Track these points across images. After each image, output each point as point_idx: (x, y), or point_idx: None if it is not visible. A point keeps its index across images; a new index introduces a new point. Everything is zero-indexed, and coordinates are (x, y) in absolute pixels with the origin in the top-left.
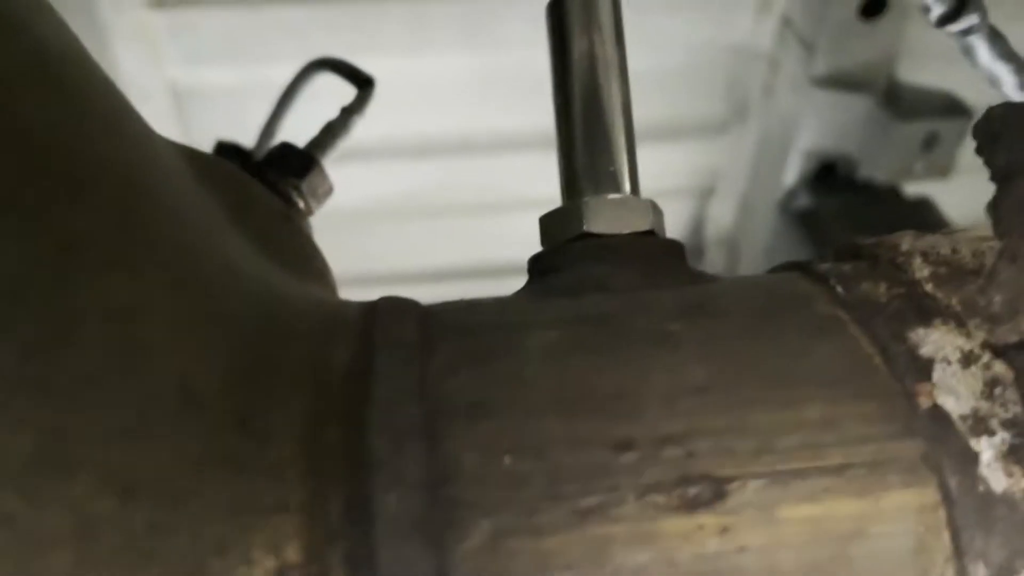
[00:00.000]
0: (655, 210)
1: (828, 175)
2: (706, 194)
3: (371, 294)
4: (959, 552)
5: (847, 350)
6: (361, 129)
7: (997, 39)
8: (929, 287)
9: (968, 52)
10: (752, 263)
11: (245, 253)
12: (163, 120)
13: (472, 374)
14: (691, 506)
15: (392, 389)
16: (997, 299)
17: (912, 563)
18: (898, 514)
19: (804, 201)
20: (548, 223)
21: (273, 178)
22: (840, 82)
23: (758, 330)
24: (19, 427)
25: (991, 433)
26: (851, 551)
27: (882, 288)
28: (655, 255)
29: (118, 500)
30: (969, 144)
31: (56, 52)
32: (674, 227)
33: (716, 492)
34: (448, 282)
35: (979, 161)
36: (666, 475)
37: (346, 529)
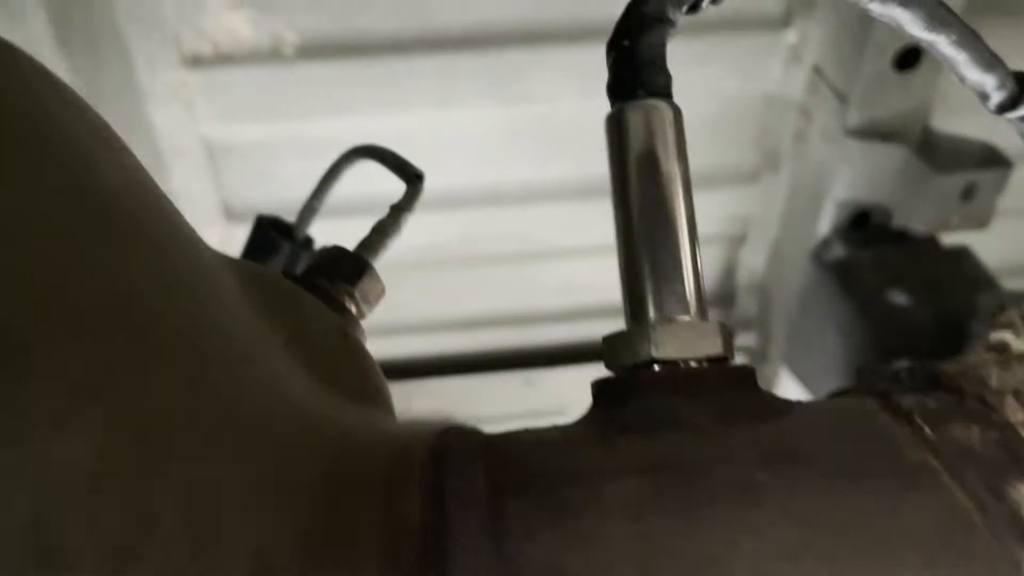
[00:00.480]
0: (725, 333)
1: (862, 224)
2: (738, 241)
3: (402, 342)
4: None
5: (943, 507)
6: (392, 181)
7: None
8: None
9: None
10: (783, 310)
11: (307, 387)
12: (197, 175)
13: (549, 536)
14: None
15: (468, 553)
16: None
17: None
18: None
19: (838, 251)
20: (612, 347)
21: (325, 285)
22: (874, 132)
23: (846, 481)
24: None
25: None
26: None
27: (975, 433)
28: (728, 384)
29: None
30: (1006, 190)
31: (127, 208)
32: (706, 274)
33: None
34: (478, 329)
35: (1017, 205)
36: None
37: None
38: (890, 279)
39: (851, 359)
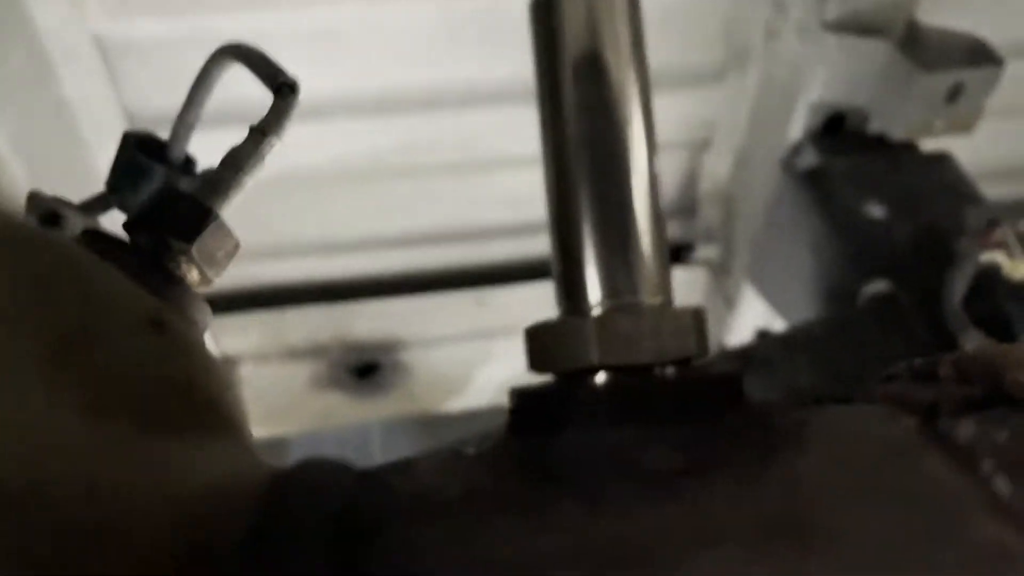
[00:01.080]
0: (697, 324)
1: (837, 129)
2: (701, 147)
3: (338, 263)
4: None
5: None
6: (318, 84)
7: None
8: None
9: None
10: (749, 221)
11: (66, 428)
12: (91, 80)
13: None
14: None
15: None
16: None
17: None
18: None
19: (810, 158)
20: (539, 343)
21: (146, 246)
22: (854, 26)
23: (873, 570)
24: None
25: None
26: None
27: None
28: (704, 401)
29: None
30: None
31: None
32: (664, 182)
33: None
34: (422, 247)
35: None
36: None
37: None
38: (866, 190)
39: (822, 277)
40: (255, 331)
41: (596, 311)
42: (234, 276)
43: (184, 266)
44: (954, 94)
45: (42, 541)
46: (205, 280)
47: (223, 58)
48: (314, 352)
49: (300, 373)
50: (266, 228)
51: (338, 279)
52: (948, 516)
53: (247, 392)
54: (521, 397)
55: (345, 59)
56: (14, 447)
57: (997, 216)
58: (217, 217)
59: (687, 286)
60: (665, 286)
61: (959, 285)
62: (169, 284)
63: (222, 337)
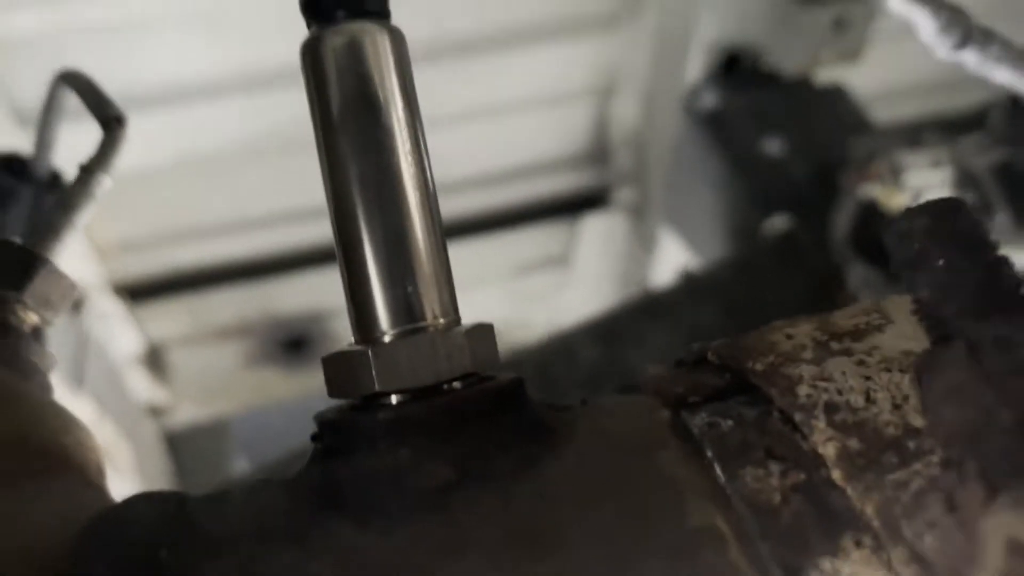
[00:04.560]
0: (479, 341)
1: (733, 69)
2: (606, 94)
3: (256, 240)
4: None
5: None
6: (209, 63)
7: None
8: (837, 475)
9: None
10: (660, 163)
11: None
12: None
13: None
14: None
15: None
16: (929, 541)
17: None
18: None
19: (708, 99)
20: (332, 372)
21: None
22: None
23: (607, 567)
24: None
25: None
26: None
27: (774, 480)
28: (480, 415)
29: None
30: (876, 22)
31: None
32: (575, 130)
33: None
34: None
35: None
36: None
37: None
38: (763, 128)
39: (727, 215)
40: (182, 315)
41: (381, 338)
42: (154, 262)
43: (20, 313)
44: (838, 25)
45: None
46: (45, 322)
47: (60, 85)
48: (243, 330)
49: (232, 352)
50: (177, 212)
51: (258, 256)
52: (668, 506)
53: (180, 376)
54: (320, 424)
55: (234, 35)
56: None
57: (876, 148)
58: (47, 263)
59: (606, 231)
60: (449, 308)
61: (841, 219)
62: (1, 335)
63: (149, 323)
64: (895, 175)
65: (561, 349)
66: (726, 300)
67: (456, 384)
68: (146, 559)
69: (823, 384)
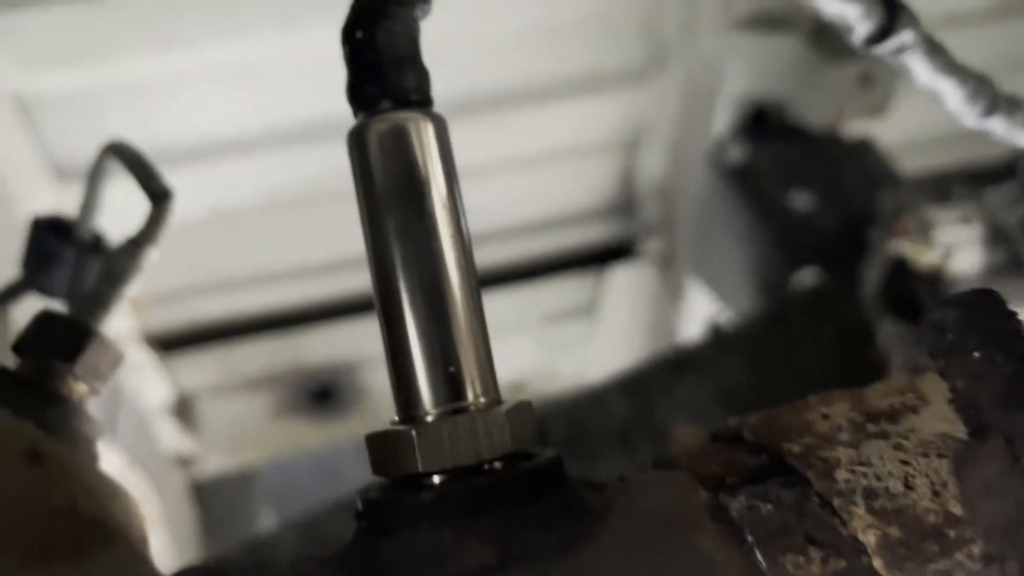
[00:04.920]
0: (519, 419)
1: (760, 123)
2: (632, 147)
3: (285, 292)
4: None
5: None
6: (240, 119)
7: (936, 52)
8: (878, 564)
9: (905, 71)
10: (688, 214)
11: None
12: (8, 134)
13: None
14: None
15: None
16: None
17: None
18: None
19: (735, 152)
20: (376, 451)
21: (27, 372)
22: (763, 22)
23: None
24: None
25: None
26: None
27: (815, 566)
28: (519, 496)
29: None
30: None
31: None
32: (602, 182)
33: None
34: (361, 269)
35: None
36: None
37: None
38: (790, 181)
39: (755, 268)
40: (211, 366)
41: (424, 418)
42: (185, 314)
43: (71, 384)
44: (864, 81)
45: None
46: (94, 392)
47: (108, 155)
48: (271, 381)
49: (260, 402)
50: (209, 265)
51: (287, 307)
52: None
53: (209, 426)
54: (364, 503)
55: (265, 92)
56: None
57: (905, 203)
58: (97, 335)
59: (633, 281)
60: (490, 387)
61: (871, 274)
62: (53, 405)
63: (179, 374)
64: (924, 231)
65: (592, 402)
66: (756, 354)
67: (497, 464)
68: None
69: (861, 469)
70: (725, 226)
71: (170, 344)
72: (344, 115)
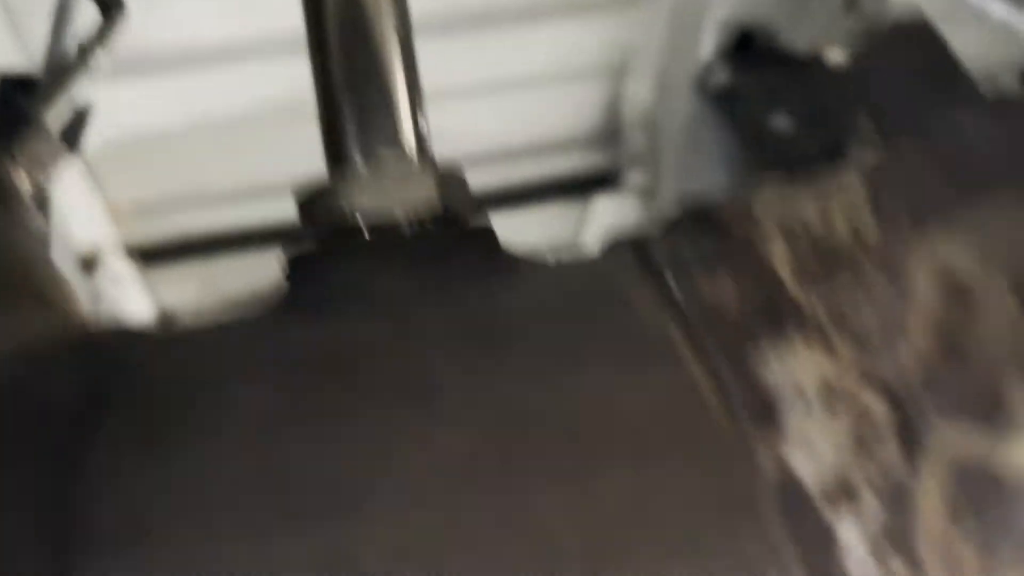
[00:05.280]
0: (450, 178)
1: (747, 48)
2: (619, 73)
3: (271, 207)
4: None
5: (673, 387)
6: (230, 28)
7: None
8: (791, 286)
9: None
10: (673, 144)
11: None
12: None
13: (134, 479)
14: None
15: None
16: (867, 313)
17: None
18: None
19: (721, 77)
20: (305, 203)
21: None
22: None
23: (555, 367)
24: None
25: (858, 503)
26: None
27: (728, 288)
28: (440, 245)
29: None
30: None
31: None
32: (587, 109)
33: None
34: None
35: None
36: None
37: None
38: (773, 104)
39: (737, 190)
40: (193, 281)
41: (354, 170)
42: (166, 226)
43: (8, 170)
44: (849, 7)
45: None
46: (35, 183)
47: None
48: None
49: None
50: (190, 176)
51: (272, 223)
52: (625, 315)
53: None
54: (290, 260)
55: (253, 1)
56: None
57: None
58: (37, 122)
59: (616, 212)
60: (425, 146)
61: None
62: None
63: (160, 288)
64: None
65: None
66: None
67: (425, 221)
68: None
69: (784, 214)
70: (708, 150)
71: (151, 257)
72: None
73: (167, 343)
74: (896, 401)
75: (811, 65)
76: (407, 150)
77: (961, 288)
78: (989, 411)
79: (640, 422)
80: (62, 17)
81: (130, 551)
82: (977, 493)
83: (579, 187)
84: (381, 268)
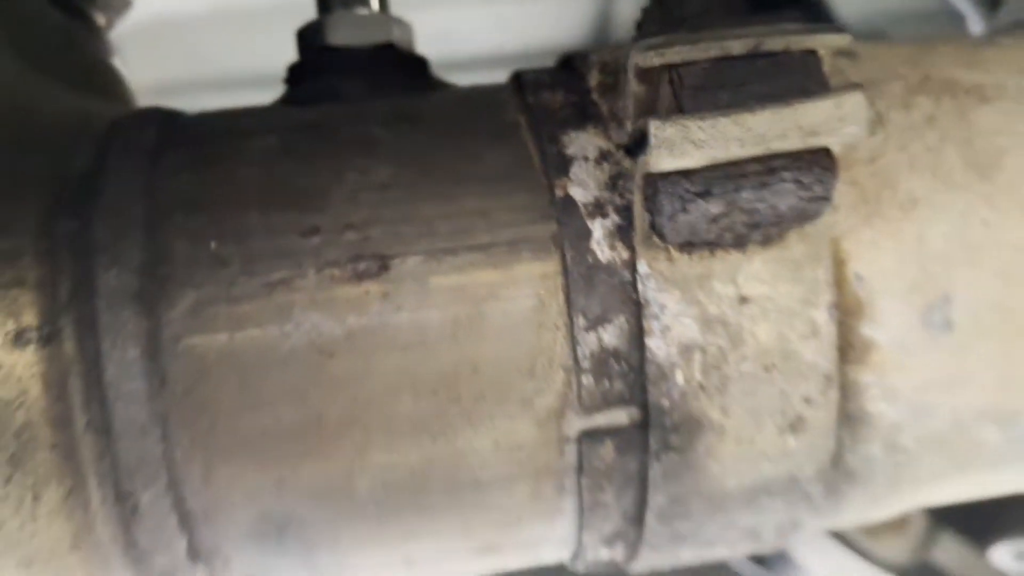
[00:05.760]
0: (399, 26)
1: None
2: None
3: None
4: (569, 308)
5: (513, 153)
6: None
7: None
8: (595, 96)
9: None
10: None
11: (16, 71)
12: None
13: (192, 176)
14: (360, 277)
15: (119, 188)
16: (625, 106)
17: (533, 318)
18: (526, 281)
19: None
20: (300, 35)
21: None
22: None
23: (447, 136)
24: None
25: (605, 216)
26: (486, 309)
27: (559, 96)
28: (387, 68)
29: None
30: None
31: None
32: (581, 23)
33: (381, 266)
34: None
35: None
36: (342, 254)
37: (75, 301)
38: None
39: None
40: None
41: (334, 9)
42: (186, 109)
43: (88, 8)
44: None
45: None
46: (108, 22)
47: None
48: None
49: None
50: (209, 61)
51: None
52: (494, 110)
53: None
54: (289, 67)
55: None
56: None
57: None
58: None
59: None
60: (383, 4)
61: None
62: (74, 17)
63: None
64: None
65: None
66: None
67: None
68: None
69: (612, 55)
70: None
71: None
72: None
73: (212, 114)
74: (638, 161)
75: None
76: (374, 3)
77: None
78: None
79: (493, 172)
80: None
81: (194, 216)
82: (665, 202)
83: None
84: (346, 77)
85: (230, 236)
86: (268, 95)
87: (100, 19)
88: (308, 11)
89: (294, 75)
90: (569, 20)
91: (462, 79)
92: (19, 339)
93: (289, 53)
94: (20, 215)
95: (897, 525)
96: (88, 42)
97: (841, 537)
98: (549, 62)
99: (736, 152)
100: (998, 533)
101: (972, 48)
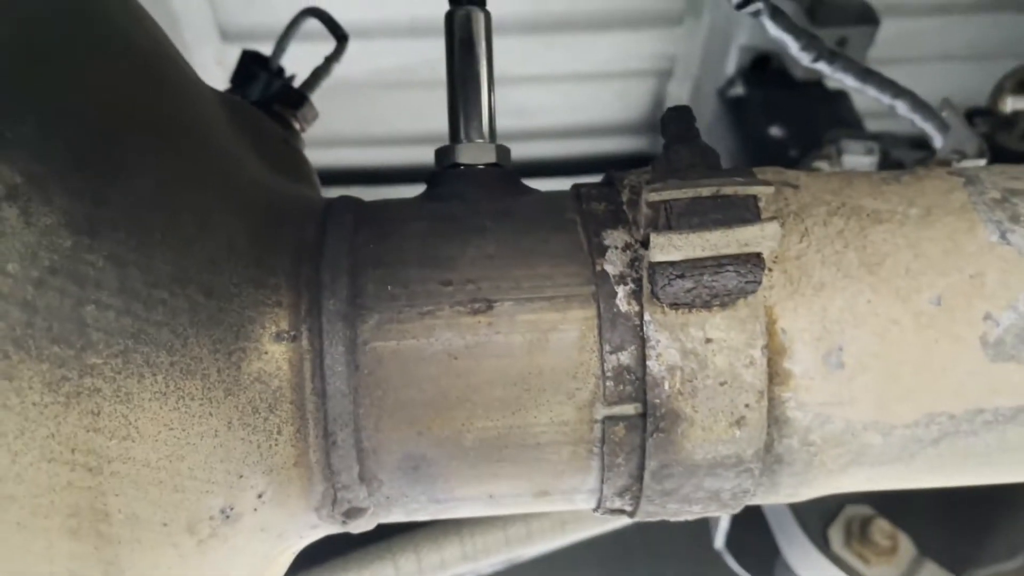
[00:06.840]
0: (501, 150)
1: (762, 68)
2: (665, 76)
3: (376, 153)
4: (600, 339)
5: (571, 240)
6: (364, 11)
7: (779, 15)
8: (625, 207)
9: (762, 25)
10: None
11: (259, 167)
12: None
13: (376, 245)
14: (475, 312)
15: (334, 250)
16: (640, 218)
17: (578, 343)
18: (574, 321)
19: (738, 89)
20: (437, 153)
21: (278, 110)
22: None
23: (529, 226)
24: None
25: (626, 284)
26: (549, 336)
27: (602, 205)
28: (494, 180)
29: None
30: (879, 46)
31: (145, 47)
32: (637, 102)
33: (488, 307)
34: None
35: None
36: (465, 297)
37: (309, 317)
38: (773, 116)
39: None
40: None
41: (462, 141)
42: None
43: (292, 121)
44: (840, 44)
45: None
46: (302, 129)
47: (301, 17)
48: None
49: None
50: (321, 123)
51: (377, 166)
52: (561, 210)
53: None
54: (430, 175)
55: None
56: (234, 161)
57: (840, 137)
58: (308, 98)
59: None
60: (492, 133)
61: None
62: (285, 128)
63: None
64: (839, 156)
65: None
66: None
67: (487, 167)
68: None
69: (638, 179)
70: (720, 145)
71: None
72: (438, 18)
73: (384, 203)
74: (648, 250)
75: (811, 87)
76: (484, 134)
77: None
78: None
79: (557, 251)
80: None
81: (377, 270)
82: (660, 279)
83: (624, 164)
84: (466, 185)
85: (399, 283)
86: (373, 152)
87: (298, 125)
88: (406, 86)
89: (434, 180)
90: (628, 101)
91: (539, 148)
92: (278, 337)
93: (388, 118)
94: (279, 264)
95: (888, 552)
96: (294, 143)
97: (839, 561)
98: (611, 135)
99: (700, 253)
100: (976, 563)
101: (880, 181)
